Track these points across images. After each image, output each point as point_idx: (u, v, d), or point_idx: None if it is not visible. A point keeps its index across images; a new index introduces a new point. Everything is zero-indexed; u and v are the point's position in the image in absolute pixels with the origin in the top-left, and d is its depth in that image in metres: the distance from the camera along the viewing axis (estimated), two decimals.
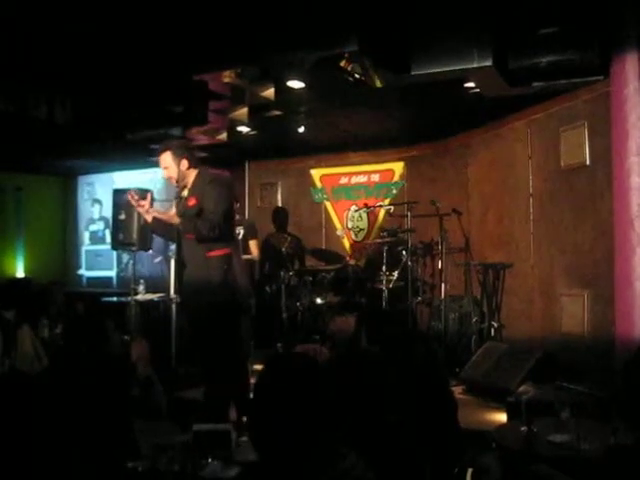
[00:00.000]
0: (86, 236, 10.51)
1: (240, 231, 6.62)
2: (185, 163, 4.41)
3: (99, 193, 10.36)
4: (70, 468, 1.91)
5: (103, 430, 2.48)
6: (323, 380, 1.80)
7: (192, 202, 4.39)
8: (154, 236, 5.98)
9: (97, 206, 10.40)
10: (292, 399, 1.71)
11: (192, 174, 4.46)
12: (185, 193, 4.49)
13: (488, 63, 4.74)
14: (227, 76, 5.54)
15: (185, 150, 4.51)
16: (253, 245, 6.92)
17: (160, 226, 4.59)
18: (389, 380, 2.24)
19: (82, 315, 6.89)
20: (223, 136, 7.01)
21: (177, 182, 4.46)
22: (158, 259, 7.69)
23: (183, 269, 4.55)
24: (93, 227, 10.43)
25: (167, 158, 4.42)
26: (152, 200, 4.46)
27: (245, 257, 6.21)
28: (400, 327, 6.25)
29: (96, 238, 10.39)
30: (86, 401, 2.51)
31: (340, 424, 1.84)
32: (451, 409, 2.69)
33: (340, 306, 6.97)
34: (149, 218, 4.47)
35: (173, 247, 5.61)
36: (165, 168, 4.44)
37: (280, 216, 7.68)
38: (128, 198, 4.48)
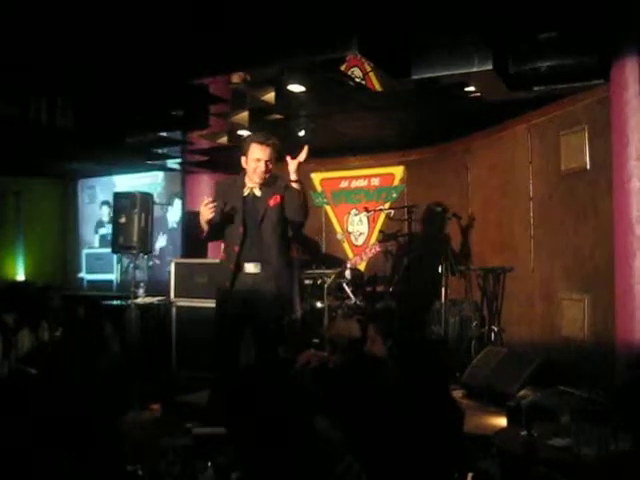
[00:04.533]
0: (96, 239, 10.48)
1: None
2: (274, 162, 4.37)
3: (101, 196, 10.34)
4: (65, 469, 1.91)
5: (97, 433, 2.48)
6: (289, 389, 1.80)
7: (276, 200, 4.31)
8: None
9: (105, 207, 10.34)
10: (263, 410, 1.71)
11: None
12: (258, 192, 4.37)
13: (488, 67, 4.75)
14: (228, 80, 5.55)
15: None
16: None
17: (218, 227, 4.39)
18: (393, 384, 2.24)
19: (82, 319, 6.90)
20: (224, 140, 7.03)
21: (264, 180, 4.34)
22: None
23: (238, 272, 4.33)
24: (103, 231, 10.39)
25: (270, 153, 4.32)
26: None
27: None
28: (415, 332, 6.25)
29: (106, 241, 10.31)
30: (81, 404, 2.50)
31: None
32: (456, 416, 2.68)
33: (340, 310, 6.97)
34: (211, 216, 4.24)
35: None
36: (269, 161, 4.31)
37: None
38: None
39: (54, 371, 3.59)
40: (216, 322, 4.45)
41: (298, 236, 7.52)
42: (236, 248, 4.31)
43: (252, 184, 4.37)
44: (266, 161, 4.28)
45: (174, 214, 9.38)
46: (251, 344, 4.48)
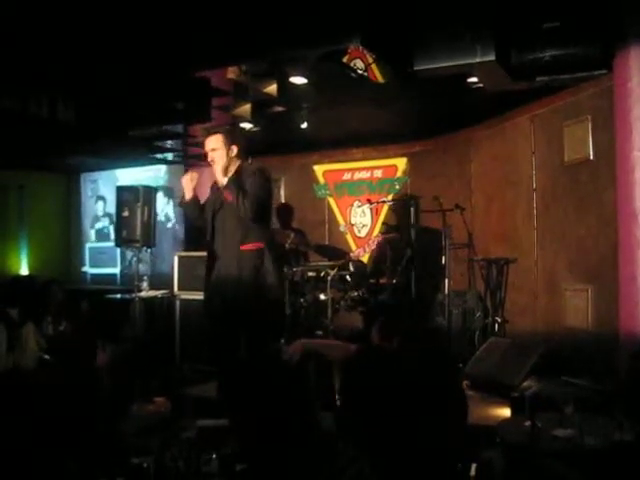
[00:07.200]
0: (92, 234, 10.51)
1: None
2: (235, 149, 4.31)
3: (102, 190, 10.37)
4: (68, 464, 1.92)
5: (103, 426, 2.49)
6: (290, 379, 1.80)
7: (230, 198, 4.24)
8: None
9: (101, 203, 10.41)
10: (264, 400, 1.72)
11: (235, 164, 4.35)
12: (222, 182, 4.31)
13: (491, 58, 4.73)
14: (230, 72, 5.54)
15: (237, 137, 4.42)
16: None
17: (196, 208, 4.46)
18: (401, 377, 2.24)
19: (89, 313, 6.93)
20: None
21: (221, 168, 4.30)
22: None
23: (213, 262, 4.38)
24: (99, 225, 10.44)
25: (218, 141, 4.29)
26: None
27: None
28: (418, 322, 6.24)
29: (102, 235, 10.40)
30: (88, 396, 2.51)
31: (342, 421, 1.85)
32: (461, 409, 2.68)
33: (343, 302, 6.97)
34: (189, 194, 4.37)
35: None
36: (212, 150, 4.28)
37: (284, 212, 7.66)
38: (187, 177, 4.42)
39: (78, 363, 3.60)
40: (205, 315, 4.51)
41: (287, 226, 7.50)
42: (207, 237, 4.41)
43: (217, 174, 4.35)
44: (212, 150, 4.30)
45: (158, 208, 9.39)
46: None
